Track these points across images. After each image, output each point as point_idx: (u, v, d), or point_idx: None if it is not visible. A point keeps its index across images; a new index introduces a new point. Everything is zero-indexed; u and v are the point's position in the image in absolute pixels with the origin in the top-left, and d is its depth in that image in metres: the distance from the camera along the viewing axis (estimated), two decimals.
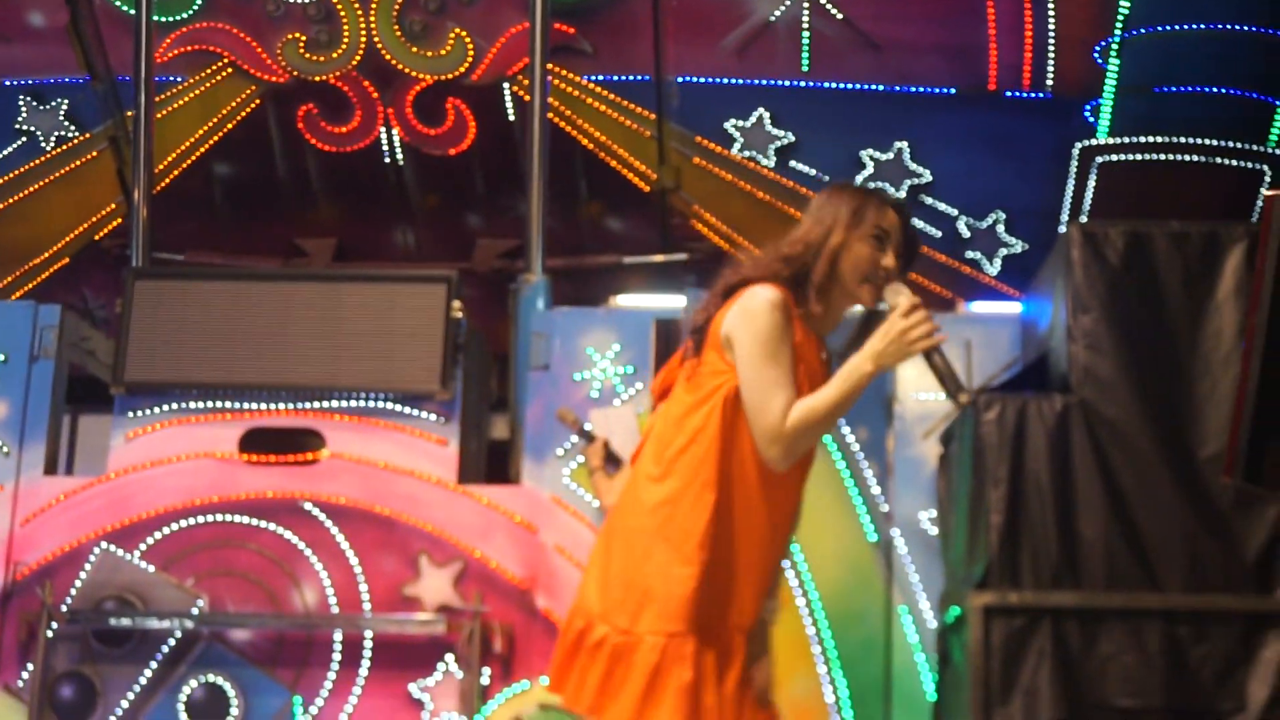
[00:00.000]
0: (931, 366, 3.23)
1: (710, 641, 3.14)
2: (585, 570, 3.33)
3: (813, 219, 3.36)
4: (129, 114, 8.77)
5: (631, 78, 8.80)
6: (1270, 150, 8.49)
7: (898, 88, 8.63)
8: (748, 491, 3.22)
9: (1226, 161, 8.48)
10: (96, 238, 9.21)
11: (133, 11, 8.29)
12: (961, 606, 5.78)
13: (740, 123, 8.74)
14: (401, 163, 9.20)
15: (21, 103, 9.01)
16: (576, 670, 3.17)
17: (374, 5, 8.70)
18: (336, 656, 6.55)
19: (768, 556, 3.28)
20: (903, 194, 8.62)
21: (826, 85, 8.68)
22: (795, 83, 8.70)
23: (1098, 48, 8.36)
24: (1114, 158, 8.49)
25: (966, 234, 8.67)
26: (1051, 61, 8.42)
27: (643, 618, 3.13)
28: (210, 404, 6.88)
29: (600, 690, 3.11)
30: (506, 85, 8.83)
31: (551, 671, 3.24)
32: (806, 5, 8.49)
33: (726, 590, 3.19)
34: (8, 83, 9.03)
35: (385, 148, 9.12)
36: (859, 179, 8.60)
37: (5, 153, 9.08)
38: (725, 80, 8.75)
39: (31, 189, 9.08)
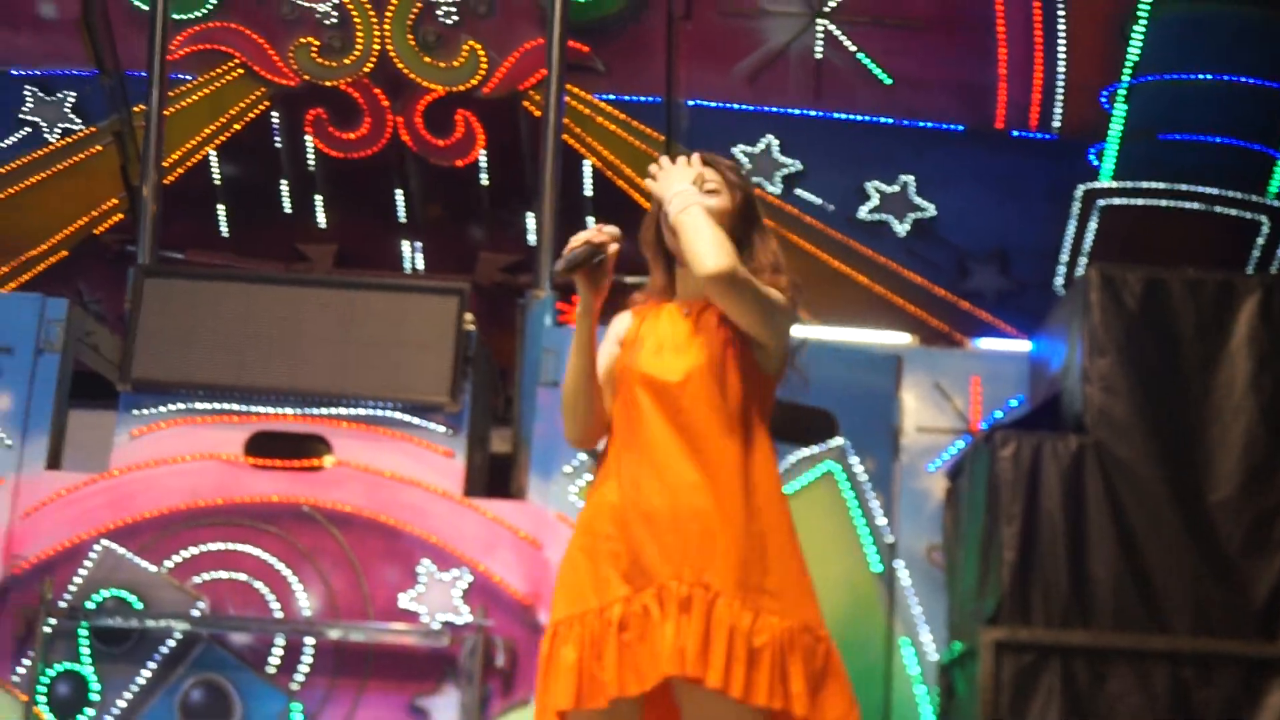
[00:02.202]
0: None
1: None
2: None
3: None
4: (136, 109, 8.74)
5: (642, 98, 8.83)
6: (1269, 202, 8.60)
7: (906, 122, 8.70)
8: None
9: (1225, 210, 8.59)
10: (96, 232, 9.15)
11: (146, 7, 8.27)
12: (969, 641, 5.83)
13: (748, 148, 8.78)
14: (407, 172, 9.20)
15: (27, 93, 8.95)
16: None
17: (389, 13, 8.70)
18: (337, 665, 6.53)
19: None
20: (906, 227, 8.68)
21: (836, 116, 8.74)
22: (805, 112, 8.75)
23: (1105, 92, 8.46)
24: (1115, 201, 8.58)
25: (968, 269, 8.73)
26: (1059, 103, 8.51)
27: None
28: (217, 405, 6.85)
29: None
30: (519, 100, 8.84)
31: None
32: (820, 35, 8.55)
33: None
34: (14, 72, 8.97)
35: (392, 156, 9.11)
36: (864, 211, 8.68)
37: (8, 143, 9.01)
38: (735, 106, 8.79)
39: (33, 180, 9.02)
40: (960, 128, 8.68)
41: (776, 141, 8.75)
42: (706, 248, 3.10)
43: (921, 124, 8.69)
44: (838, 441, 6.76)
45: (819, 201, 8.75)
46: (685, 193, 3.20)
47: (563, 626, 3.17)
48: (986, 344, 7.83)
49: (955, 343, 8.30)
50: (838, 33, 8.53)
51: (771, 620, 3.09)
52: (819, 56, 8.60)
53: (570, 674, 3.10)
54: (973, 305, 8.74)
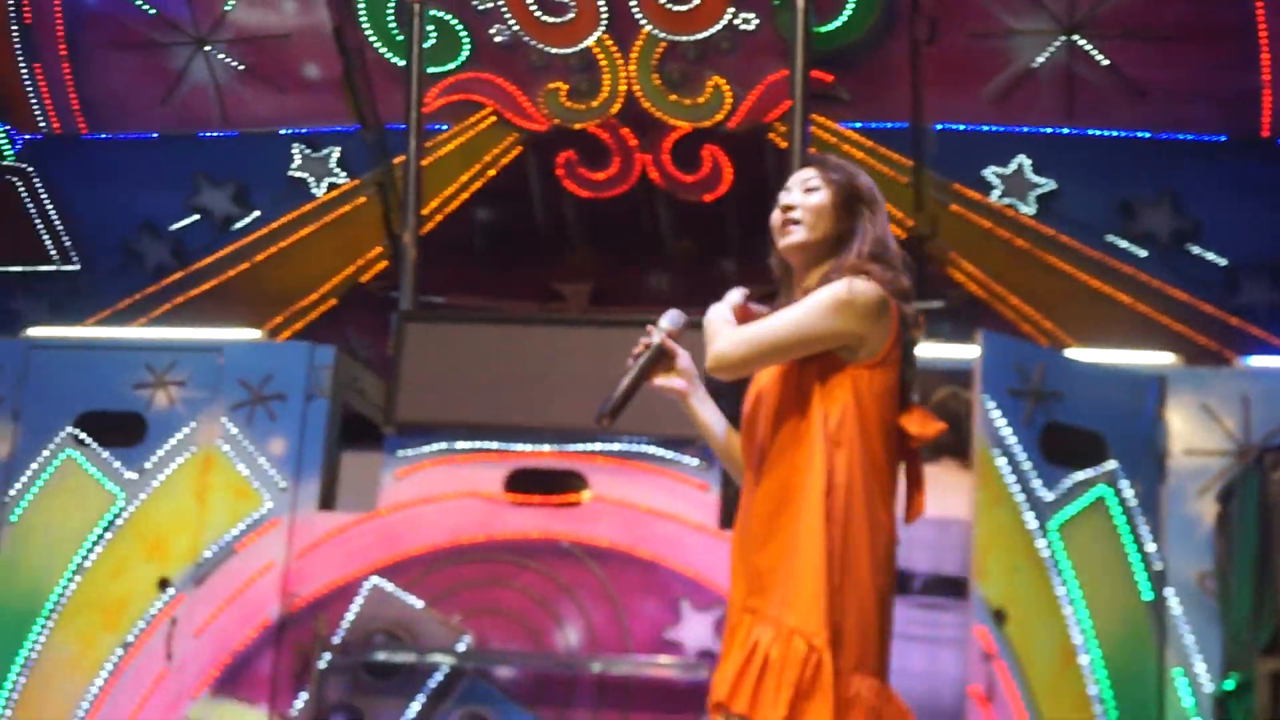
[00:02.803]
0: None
1: None
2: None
3: None
4: (396, 161, 9.05)
5: (889, 125, 8.77)
6: None
7: (1165, 134, 8.42)
8: None
9: None
10: (362, 280, 9.50)
11: (403, 63, 8.57)
12: (1245, 672, 5.59)
13: (1000, 170, 8.63)
14: (657, 209, 9.32)
15: (295, 150, 9.37)
16: None
17: (634, 54, 8.83)
18: (599, 698, 6.61)
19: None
20: (1169, 243, 8.40)
21: (1090, 132, 8.52)
22: (1057, 129, 8.56)
23: None
24: None
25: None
26: None
27: None
28: (477, 444, 7.03)
29: None
30: (766, 132, 8.87)
31: None
32: (1071, 52, 8.35)
33: None
34: (283, 132, 9.39)
35: (641, 194, 9.24)
36: (1124, 227, 8.43)
37: (279, 198, 9.43)
38: (985, 127, 8.65)
39: (302, 233, 9.43)
40: (1222, 137, 8.37)
41: (1029, 161, 8.58)
42: (708, 352, 3.12)
43: (1181, 136, 8.40)
44: (1110, 465, 6.56)
45: (1075, 220, 8.54)
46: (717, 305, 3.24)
47: None
48: (1258, 361, 7.49)
49: (1224, 361, 7.96)
50: (1089, 48, 8.32)
51: (785, 632, 2.93)
52: (1070, 73, 8.40)
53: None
54: (1243, 321, 8.40)
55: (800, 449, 3.05)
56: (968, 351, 6.83)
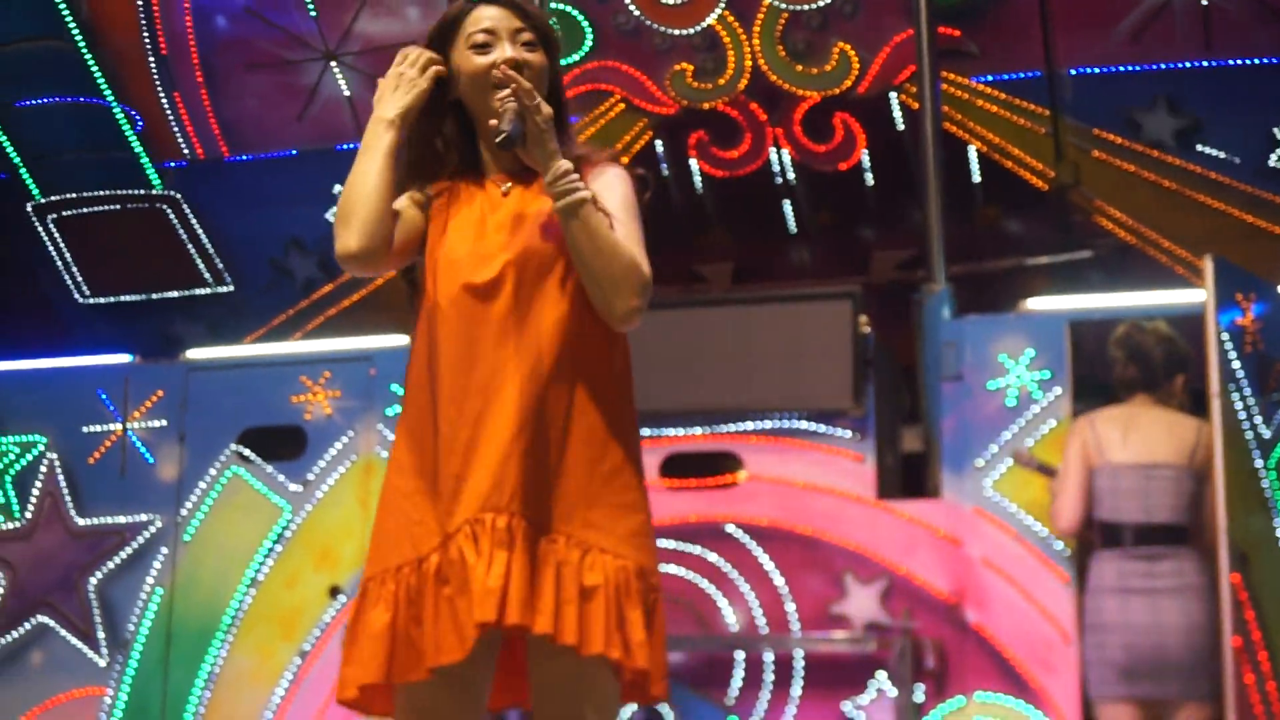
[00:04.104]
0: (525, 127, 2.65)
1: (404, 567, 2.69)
2: None
3: None
4: None
5: (1022, 75, 8.59)
6: None
7: None
8: (412, 378, 2.82)
9: None
10: None
11: None
12: None
13: (1139, 109, 8.41)
14: (793, 182, 9.25)
15: None
16: None
17: (756, 28, 8.77)
18: (769, 677, 6.60)
19: (441, 443, 2.71)
20: None
21: (1231, 63, 8.26)
22: (1197, 63, 8.31)
23: None
24: None
25: None
26: None
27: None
28: None
29: None
30: (894, 95, 8.76)
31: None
32: None
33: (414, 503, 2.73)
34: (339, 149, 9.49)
35: (776, 168, 9.18)
36: (1275, 158, 8.16)
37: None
38: (1121, 68, 8.43)
39: None
40: None
41: (1168, 98, 8.34)
42: (624, 278, 2.73)
43: None
44: None
45: (1223, 155, 8.29)
46: (571, 176, 2.69)
47: (373, 584, 2.69)
48: None
49: None
50: None
51: (604, 558, 2.66)
52: (1206, 2, 8.15)
53: (378, 641, 2.63)
54: None
55: (590, 349, 2.80)
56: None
